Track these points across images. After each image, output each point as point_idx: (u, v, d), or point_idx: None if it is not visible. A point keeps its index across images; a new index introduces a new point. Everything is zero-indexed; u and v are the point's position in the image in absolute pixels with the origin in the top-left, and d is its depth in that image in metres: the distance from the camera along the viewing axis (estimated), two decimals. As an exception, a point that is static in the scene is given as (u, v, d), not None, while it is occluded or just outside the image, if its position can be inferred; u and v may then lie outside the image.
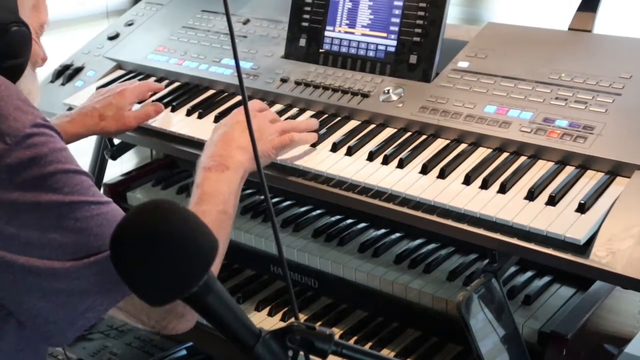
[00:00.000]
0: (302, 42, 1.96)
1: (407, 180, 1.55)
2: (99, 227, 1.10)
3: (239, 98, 1.97)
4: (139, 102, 1.95)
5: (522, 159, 1.56)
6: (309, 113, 1.85)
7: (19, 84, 1.21)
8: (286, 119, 1.83)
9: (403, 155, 1.61)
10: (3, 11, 1.17)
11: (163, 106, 1.93)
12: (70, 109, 2.12)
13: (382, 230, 1.94)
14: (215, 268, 1.31)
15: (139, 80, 2.16)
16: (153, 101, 1.99)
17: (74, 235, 1.08)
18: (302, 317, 1.80)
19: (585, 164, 1.50)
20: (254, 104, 1.71)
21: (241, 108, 1.63)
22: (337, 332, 1.74)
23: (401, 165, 1.59)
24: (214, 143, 1.53)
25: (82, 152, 2.22)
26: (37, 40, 1.28)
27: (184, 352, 1.88)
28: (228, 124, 1.58)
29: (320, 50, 1.94)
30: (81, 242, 1.08)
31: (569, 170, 1.50)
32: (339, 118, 1.81)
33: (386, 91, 1.78)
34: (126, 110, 1.85)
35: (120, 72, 2.24)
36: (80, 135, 1.81)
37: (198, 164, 1.47)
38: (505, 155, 1.58)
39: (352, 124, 1.78)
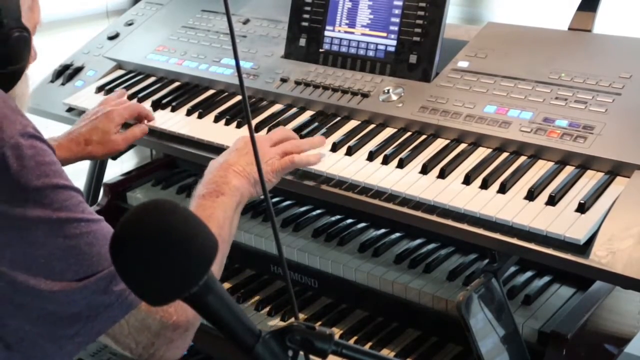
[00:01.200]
0: (302, 42, 1.96)
1: (407, 180, 1.55)
2: (89, 246, 1.07)
3: (239, 98, 1.97)
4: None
5: (522, 158, 1.56)
6: (309, 113, 1.85)
7: (15, 88, 1.20)
8: (286, 118, 1.84)
9: (403, 155, 1.61)
10: (7, 17, 1.15)
11: (147, 128, 1.90)
12: (70, 109, 2.12)
13: (382, 230, 1.93)
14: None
15: (138, 79, 2.16)
16: (153, 102, 2.00)
17: (62, 254, 1.05)
18: (302, 317, 1.80)
19: (585, 163, 1.50)
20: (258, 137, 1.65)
21: (242, 136, 1.59)
22: (337, 332, 1.74)
23: (401, 165, 1.59)
24: (210, 171, 1.49)
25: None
26: (31, 40, 1.26)
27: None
28: (226, 152, 1.55)
29: (320, 50, 1.94)
30: (70, 262, 1.06)
31: (569, 170, 1.50)
32: (339, 118, 1.81)
33: (386, 91, 1.78)
34: (112, 133, 1.82)
35: (120, 72, 2.24)
36: (68, 161, 1.78)
37: (193, 194, 1.44)
38: (505, 155, 1.58)
39: (352, 123, 1.78)
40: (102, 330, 1.10)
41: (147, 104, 1.99)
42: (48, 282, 1.04)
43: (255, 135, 1.58)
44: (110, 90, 2.12)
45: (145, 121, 1.92)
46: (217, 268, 1.35)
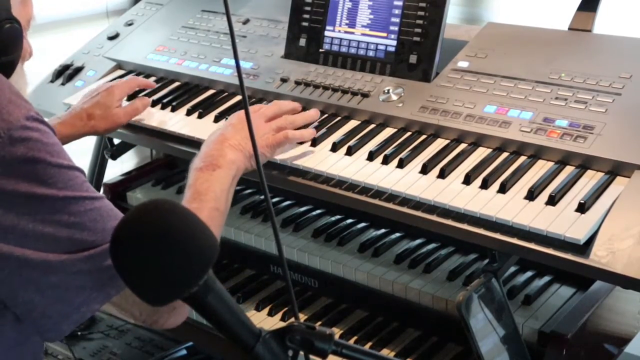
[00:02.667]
0: (302, 42, 1.96)
1: (407, 180, 1.55)
2: (93, 222, 1.11)
3: (239, 98, 1.97)
4: (129, 99, 1.96)
5: (522, 158, 1.56)
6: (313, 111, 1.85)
7: (10, 80, 1.21)
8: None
9: (403, 155, 1.61)
10: None
11: (150, 99, 1.95)
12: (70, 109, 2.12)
13: (382, 230, 1.94)
14: None
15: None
16: (153, 101, 2.00)
17: (68, 230, 1.09)
18: (302, 317, 1.80)
19: (585, 163, 1.50)
20: (254, 107, 1.71)
21: (237, 112, 1.64)
22: (337, 332, 1.74)
23: (401, 165, 1.59)
24: (206, 145, 1.54)
25: (82, 152, 2.22)
26: (25, 36, 1.28)
27: (184, 352, 1.88)
28: (222, 127, 1.59)
29: (320, 50, 1.94)
30: (75, 237, 1.09)
31: (569, 170, 1.50)
32: (339, 118, 1.81)
33: (386, 91, 1.78)
34: (114, 107, 1.86)
35: (120, 72, 2.24)
36: (72, 137, 1.82)
37: (190, 167, 1.48)
38: (505, 155, 1.58)
39: (352, 123, 1.78)
40: (106, 299, 1.13)
41: (126, 95, 1.99)
42: (55, 255, 1.08)
43: (250, 110, 1.62)
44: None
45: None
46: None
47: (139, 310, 1.22)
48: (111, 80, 2.16)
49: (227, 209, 1.45)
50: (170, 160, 2.39)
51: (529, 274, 1.74)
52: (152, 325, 1.25)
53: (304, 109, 1.87)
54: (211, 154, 1.50)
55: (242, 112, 1.63)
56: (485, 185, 1.49)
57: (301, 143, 1.70)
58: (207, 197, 1.40)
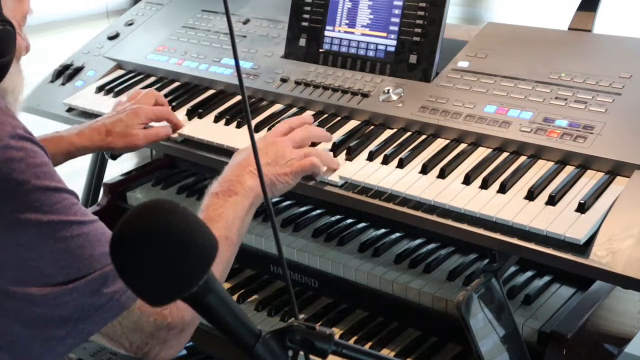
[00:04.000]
0: (302, 41, 1.96)
1: (407, 180, 1.55)
2: (80, 248, 1.06)
3: (238, 98, 1.97)
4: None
5: (522, 158, 1.56)
6: (309, 113, 1.85)
7: (4, 82, 1.18)
8: (286, 118, 1.83)
9: (403, 155, 1.61)
10: None
11: (171, 131, 1.86)
12: (70, 109, 2.12)
13: (382, 230, 1.93)
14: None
15: (138, 79, 2.16)
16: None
17: (53, 258, 1.04)
18: (302, 317, 1.80)
19: (585, 163, 1.50)
20: (280, 128, 1.60)
21: (264, 136, 1.55)
22: (337, 332, 1.74)
23: (401, 165, 1.59)
24: (228, 168, 1.47)
25: (82, 152, 2.22)
26: (20, 32, 1.24)
27: (184, 352, 1.88)
28: (247, 150, 1.50)
29: (320, 50, 1.94)
30: (60, 265, 1.05)
31: (568, 170, 1.50)
32: (339, 118, 1.81)
33: (386, 91, 1.78)
34: (135, 128, 1.79)
35: (120, 72, 2.24)
36: (88, 149, 1.77)
37: (208, 189, 1.42)
38: (505, 155, 1.58)
39: (352, 123, 1.78)
40: (94, 331, 1.10)
41: (151, 122, 1.96)
42: (37, 286, 1.03)
43: (279, 135, 1.56)
44: (111, 90, 2.12)
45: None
46: (222, 267, 1.34)
47: (129, 341, 1.17)
48: (113, 81, 2.16)
49: (240, 237, 1.39)
50: (170, 160, 2.39)
51: (529, 274, 1.74)
52: (144, 357, 1.19)
53: (304, 109, 1.87)
54: (229, 179, 1.42)
55: (268, 136, 1.57)
56: (485, 185, 1.49)
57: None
58: (218, 224, 1.34)
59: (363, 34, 1.87)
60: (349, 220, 1.99)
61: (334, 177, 1.59)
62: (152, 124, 1.85)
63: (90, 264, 1.06)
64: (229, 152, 1.69)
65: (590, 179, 1.47)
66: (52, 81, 2.26)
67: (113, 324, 1.10)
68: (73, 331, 1.07)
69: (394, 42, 1.82)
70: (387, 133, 1.72)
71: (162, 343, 1.18)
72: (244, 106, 1.13)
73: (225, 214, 1.36)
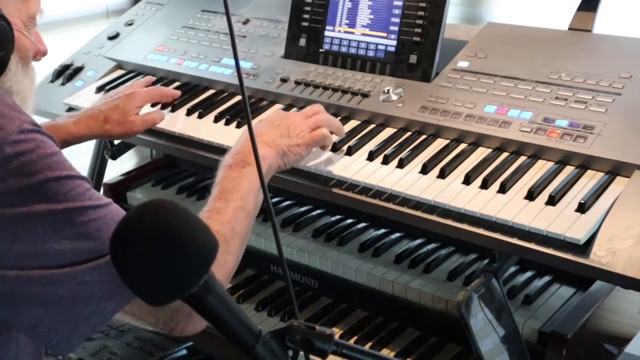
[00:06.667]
0: (302, 42, 1.96)
1: (407, 180, 1.55)
2: (98, 231, 1.07)
3: (239, 98, 1.97)
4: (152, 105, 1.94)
5: (522, 158, 1.56)
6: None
7: (5, 82, 1.18)
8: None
9: (403, 155, 1.61)
10: None
11: (164, 113, 1.91)
12: (70, 109, 2.12)
13: (382, 230, 1.94)
14: (232, 264, 1.29)
15: (138, 80, 2.16)
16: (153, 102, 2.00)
17: (72, 243, 1.05)
18: (302, 317, 1.80)
19: (585, 163, 1.50)
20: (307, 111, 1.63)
21: (276, 111, 1.58)
22: (337, 332, 1.74)
23: (401, 165, 1.59)
24: (239, 141, 1.48)
25: (82, 152, 2.22)
26: (27, 33, 1.24)
27: (184, 352, 1.88)
28: (257, 123, 1.54)
29: (320, 50, 1.94)
30: (80, 249, 1.05)
31: (569, 170, 1.50)
32: (339, 118, 1.80)
33: (386, 91, 1.78)
34: (132, 114, 1.81)
35: (120, 72, 2.24)
36: (85, 137, 1.78)
37: (220, 163, 1.43)
38: (505, 155, 1.58)
39: (352, 123, 1.78)
40: (117, 309, 1.09)
41: (147, 104, 1.99)
42: (58, 268, 1.04)
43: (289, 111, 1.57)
44: (110, 90, 2.12)
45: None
46: (240, 239, 1.32)
47: (155, 317, 1.17)
48: (113, 81, 2.17)
49: (256, 208, 1.39)
50: (170, 160, 2.39)
51: (529, 274, 1.74)
52: (171, 332, 1.20)
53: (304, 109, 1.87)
54: (241, 151, 1.43)
55: (280, 111, 1.59)
56: (485, 185, 1.49)
57: None
58: (234, 196, 1.34)
59: (363, 34, 1.87)
60: (349, 220, 1.99)
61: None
62: (148, 109, 1.86)
63: (109, 245, 1.07)
64: (229, 152, 1.69)
65: (590, 179, 1.47)
66: (52, 81, 2.26)
67: (137, 301, 1.09)
68: (97, 310, 1.07)
69: (394, 42, 1.82)
70: (387, 133, 1.72)
71: (188, 317, 1.18)
72: (244, 106, 1.13)
73: (240, 185, 1.37)
